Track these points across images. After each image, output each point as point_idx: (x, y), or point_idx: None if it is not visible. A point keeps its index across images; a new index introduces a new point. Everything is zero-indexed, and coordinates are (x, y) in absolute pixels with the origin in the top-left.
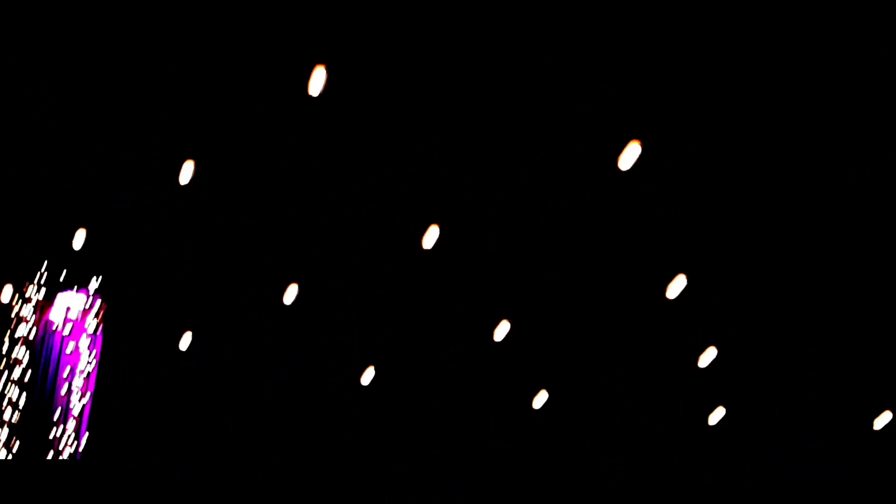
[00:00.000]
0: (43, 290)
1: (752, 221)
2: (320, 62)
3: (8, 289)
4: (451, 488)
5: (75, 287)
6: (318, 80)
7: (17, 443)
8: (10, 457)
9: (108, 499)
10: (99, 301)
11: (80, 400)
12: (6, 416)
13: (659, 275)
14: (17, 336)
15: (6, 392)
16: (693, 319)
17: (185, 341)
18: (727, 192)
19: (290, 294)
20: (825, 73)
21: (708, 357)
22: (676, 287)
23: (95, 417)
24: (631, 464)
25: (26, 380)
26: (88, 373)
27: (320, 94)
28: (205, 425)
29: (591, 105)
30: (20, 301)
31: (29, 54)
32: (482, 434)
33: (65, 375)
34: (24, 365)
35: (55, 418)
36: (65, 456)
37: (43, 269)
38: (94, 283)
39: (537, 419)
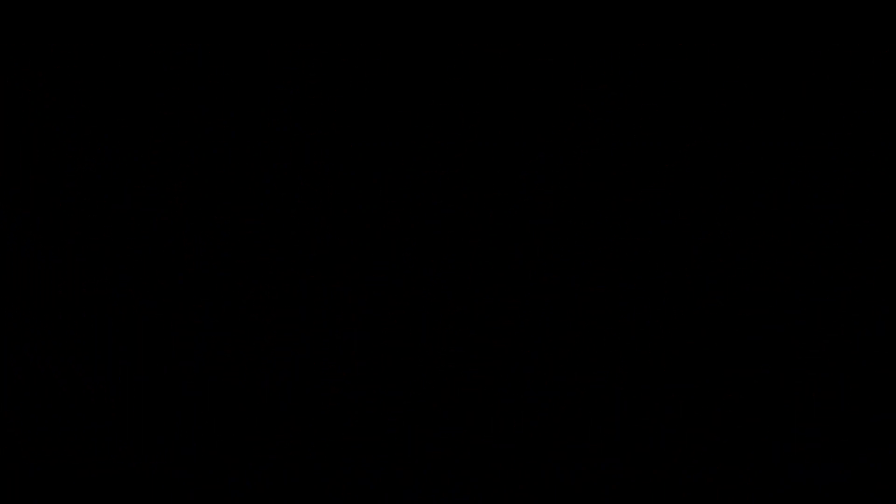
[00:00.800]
0: None
1: (752, 221)
2: (320, 62)
3: None
4: (451, 488)
5: None
6: None
7: None
8: None
9: (109, 499)
10: None
11: None
12: None
13: (659, 275)
14: None
15: None
16: (693, 319)
17: None
18: (727, 192)
19: None
20: (825, 73)
21: None
22: None
23: None
24: (631, 464)
25: None
26: None
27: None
28: (205, 425)
29: (591, 105)
30: None
31: (29, 54)
32: (482, 434)
33: None
34: None
35: None
36: None
37: None
38: None
39: (537, 419)
